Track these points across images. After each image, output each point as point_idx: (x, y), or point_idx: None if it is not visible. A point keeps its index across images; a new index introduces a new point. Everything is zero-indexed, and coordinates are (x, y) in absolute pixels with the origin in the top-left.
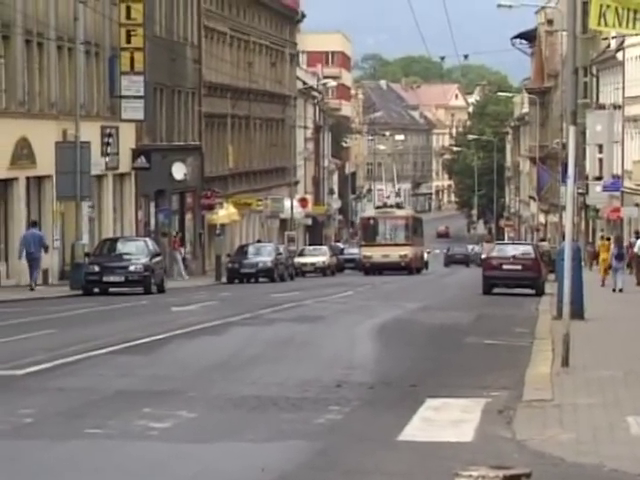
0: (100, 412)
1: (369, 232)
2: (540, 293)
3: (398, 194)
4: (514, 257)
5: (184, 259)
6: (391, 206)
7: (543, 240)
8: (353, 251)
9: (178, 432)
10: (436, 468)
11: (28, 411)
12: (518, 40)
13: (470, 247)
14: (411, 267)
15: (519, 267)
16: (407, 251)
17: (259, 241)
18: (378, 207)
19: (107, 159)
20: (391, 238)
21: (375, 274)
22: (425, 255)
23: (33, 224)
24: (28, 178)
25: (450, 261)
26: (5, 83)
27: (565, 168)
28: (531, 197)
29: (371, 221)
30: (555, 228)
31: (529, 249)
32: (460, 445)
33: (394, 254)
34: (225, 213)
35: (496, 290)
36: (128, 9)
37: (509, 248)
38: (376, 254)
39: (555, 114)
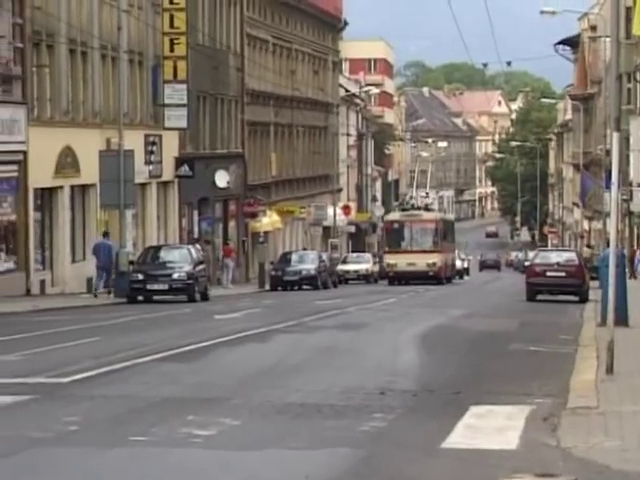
0: (144, 419)
1: (393, 237)
2: (584, 300)
3: (427, 195)
4: (558, 264)
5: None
6: (418, 208)
7: (589, 246)
8: None
9: (222, 439)
10: (480, 476)
11: (73, 419)
12: (561, 46)
13: (514, 254)
14: (440, 276)
15: (563, 274)
16: (435, 259)
17: (305, 249)
18: (404, 209)
19: (150, 167)
20: (418, 244)
21: (401, 284)
22: (459, 262)
23: (104, 234)
24: (72, 187)
25: (483, 266)
26: (50, 92)
27: (609, 174)
28: (575, 204)
29: (395, 225)
30: (599, 235)
31: (573, 256)
32: (504, 453)
33: (421, 262)
34: (268, 221)
35: (540, 297)
36: (171, 18)
37: (553, 255)
38: (401, 262)
39: (599, 120)
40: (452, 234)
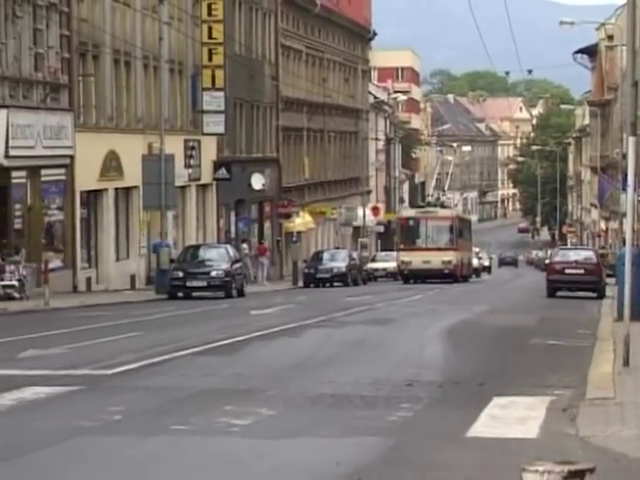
0: (184, 409)
1: (408, 234)
2: (601, 296)
3: (444, 193)
4: (576, 262)
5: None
6: (434, 205)
7: (603, 248)
8: None
9: (258, 428)
10: (503, 463)
11: (117, 408)
12: (579, 55)
13: (535, 252)
14: (456, 274)
15: (581, 271)
16: (451, 256)
17: (338, 248)
18: (419, 206)
19: (190, 171)
20: (433, 241)
21: (416, 282)
22: (479, 260)
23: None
24: (117, 189)
25: (502, 263)
26: (95, 100)
27: (625, 177)
28: (592, 204)
29: (410, 222)
30: (616, 234)
31: (591, 254)
32: (526, 441)
33: (436, 260)
34: (301, 221)
35: (559, 293)
36: (210, 29)
37: (572, 253)
38: (416, 259)
39: (615, 125)
40: (469, 232)
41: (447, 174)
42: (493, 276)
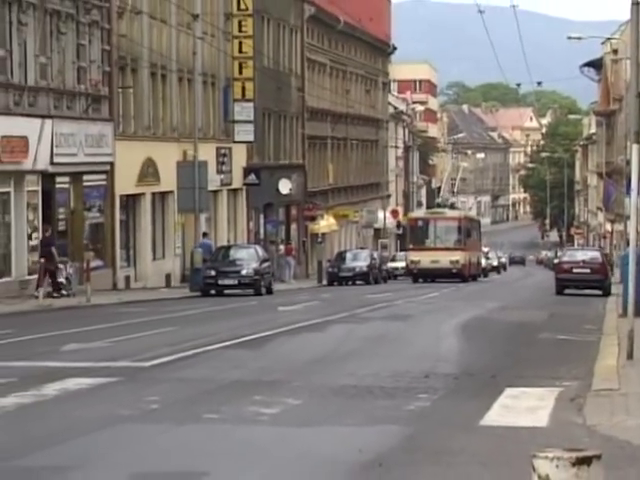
0: (216, 399)
1: (417, 234)
2: (607, 294)
3: (454, 194)
4: (583, 261)
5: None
6: (443, 206)
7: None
8: None
9: (285, 417)
10: (514, 451)
11: (153, 398)
12: (586, 68)
13: (544, 252)
14: (464, 274)
15: (588, 270)
16: (459, 256)
17: (362, 248)
18: (429, 207)
19: (222, 176)
20: (441, 241)
21: (426, 281)
22: (484, 261)
23: (204, 235)
24: (153, 193)
25: (512, 262)
26: (133, 110)
27: (629, 182)
28: (598, 208)
29: (419, 222)
30: (620, 236)
31: (597, 254)
32: (536, 430)
33: (444, 259)
34: (325, 223)
35: (567, 291)
36: (240, 44)
37: (579, 253)
38: (425, 259)
39: (620, 134)
40: (477, 233)
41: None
42: (503, 275)
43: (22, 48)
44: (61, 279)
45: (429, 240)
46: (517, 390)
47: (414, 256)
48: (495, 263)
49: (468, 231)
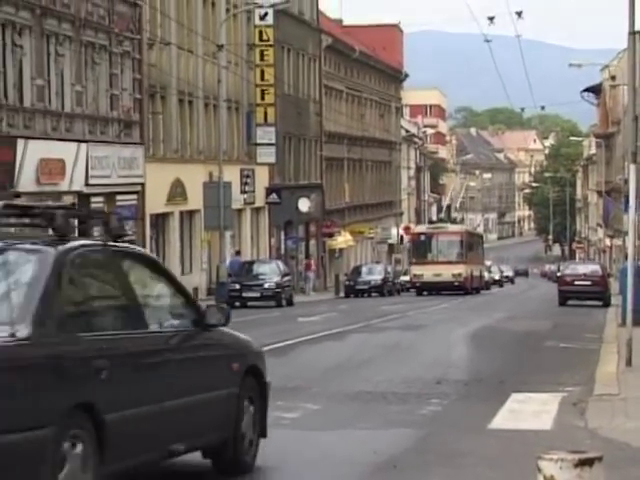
0: None
1: (420, 249)
2: (607, 304)
3: (457, 208)
4: (585, 274)
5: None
6: (445, 221)
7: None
8: None
9: (305, 421)
10: (521, 452)
11: None
12: (586, 93)
13: (547, 266)
14: (466, 287)
15: (589, 283)
16: (461, 270)
17: (378, 262)
18: (431, 222)
19: (245, 196)
20: (443, 255)
21: (431, 294)
22: (487, 275)
23: (237, 253)
24: (181, 212)
25: (516, 274)
26: (163, 134)
27: (627, 199)
28: (598, 224)
29: (422, 237)
30: (619, 250)
31: (597, 268)
32: (541, 432)
33: (446, 273)
34: (342, 239)
35: (570, 302)
36: (262, 72)
37: (580, 267)
38: (427, 273)
39: (618, 154)
40: (480, 247)
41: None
42: (506, 288)
43: (59, 77)
44: None
45: (431, 254)
46: (523, 395)
47: (417, 270)
48: (497, 277)
49: (470, 245)
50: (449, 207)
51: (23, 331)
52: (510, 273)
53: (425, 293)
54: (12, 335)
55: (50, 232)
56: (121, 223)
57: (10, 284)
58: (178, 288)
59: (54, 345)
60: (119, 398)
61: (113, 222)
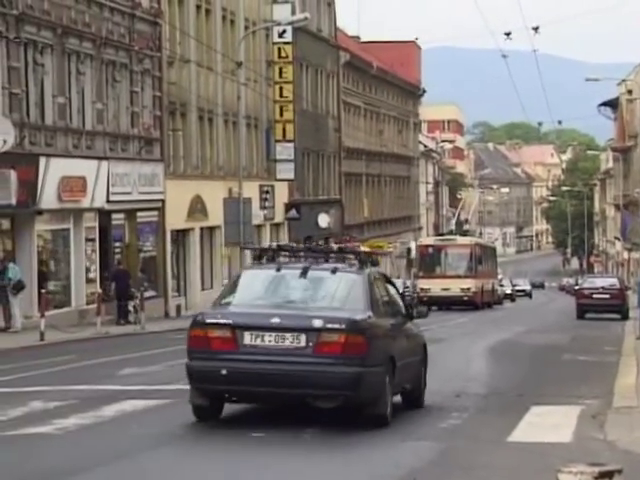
0: (262, 419)
1: (427, 262)
2: (625, 317)
3: (466, 221)
4: (603, 288)
5: None
6: (454, 233)
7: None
8: None
9: (326, 434)
10: (540, 465)
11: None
12: (603, 107)
13: (565, 279)
14: (475, 302)
15: (607, 296)
16: (470, 284)
17: (399, 277)
18: (440, 234)
19: (265, 212)
20: (452, 269)
21: (441, 309)
22: (500, 289)
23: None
24: (202, 228)
25: (533, 286)
26: (183, 151)
27: None
28: (616, 237)
29: (430, 250)
30: (637, 263)
31: (615, 281)
32: (560, 445)
33: (455, 287)
34: None
35: (588, 315)
36: (281, 89)
37: (598, 280)
38: (435, 287)
39: (635, 168)
40: (492, 260)
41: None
42: (523, 302)
43: (80, 95)
44: (130, 308)
45: (440, 267)
46: (542, 408)
47: (424, 284)
48: (508, 290)
49: (480, 258)
50: (463, 220)
51: (368, 313)
52: (527, 287)
53: (434, 308)
54: (368, 316)
55: (356, 263)
56: (372, 259)
57: (350, 290)
58: (400, 294)
59: (377, 321)
60: (399, 354)
61: (363, 258)
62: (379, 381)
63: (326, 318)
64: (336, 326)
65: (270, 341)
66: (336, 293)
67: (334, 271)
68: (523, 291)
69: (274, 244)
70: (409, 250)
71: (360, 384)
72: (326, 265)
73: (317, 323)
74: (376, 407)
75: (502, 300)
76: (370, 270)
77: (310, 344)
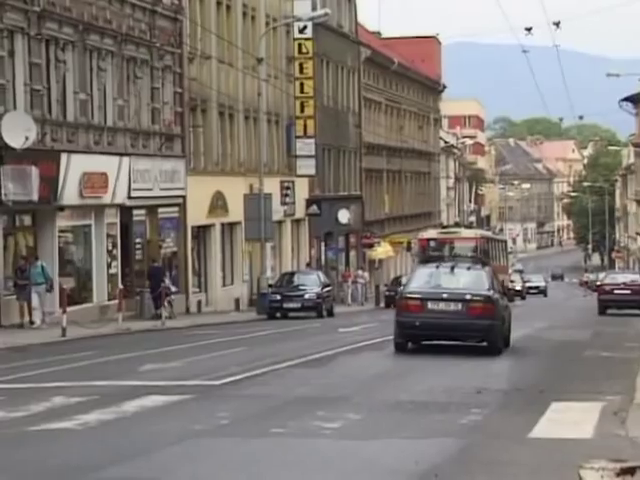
0: (282, 415)
1: (428, 257)
2: None
3: (472, 213)
4: (624, 284)
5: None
6: (457, 224)
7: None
8: None
9: (346, 431)
10: (562, 461)
11: (225, 414)
12: (624, 102)
13: (586, 275)
14: None
15: (629, 292)
16: None
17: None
18: (444, 226)
19: (285, 207)
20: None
21: None
22: (512, 284)
23: (308, 264)
24: (222, 224)
25: (553, 278)
26: (204, 147)
27: None
28: (637, 233)
29: (431, 243)
30: None
31: (636, 277)
32: (581, 441)
33: None
34: (382, 250)
35: (609, 311)
36: (302, 85)
37: (620, 276)
38: None
39: None
40: (501, 254)
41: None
42: (534, 300)
43: (101, 92)
44: (164, 303)
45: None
46: (563, 404)
47: None
48: (518, 287)
49: (487, 252)
50: (489, 217)
51: (492, 291)
52: (541, 283)
53: None
54: (492, 293)
55: (479, 262)
56: (485, 262)
57: (481, 278)
58: (499, 280)
59: (496, 296)
60: (505, 315)
61: (484, 261)
62: (499, 329)
63: (472, 294)
64: (478, 298)
65: (442, 306)
66: (472, 280)
67: (468, 268)
68: (537, 288)
69: (435, 254)
70: (409, 244)
71: (490, 330)
72: (464, 264)
73: (468, 296)
74: (497, 343)
75: (513, 298)
76: (488, 267)
77: (464, 308)
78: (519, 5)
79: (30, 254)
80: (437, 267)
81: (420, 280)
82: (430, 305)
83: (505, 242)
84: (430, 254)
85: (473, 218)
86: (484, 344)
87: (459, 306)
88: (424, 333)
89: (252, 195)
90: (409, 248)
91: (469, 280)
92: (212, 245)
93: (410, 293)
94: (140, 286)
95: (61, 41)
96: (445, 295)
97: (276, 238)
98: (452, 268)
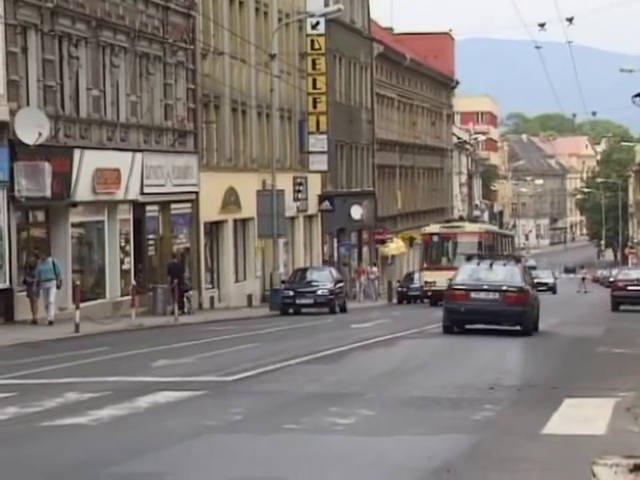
0: (295, 411)
1: (432, 252)
2: None
3: (477, 207)
4: (637, 280)
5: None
6: (461, 219)
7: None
8: None
9: (359, 427)
10: (575, 458)
11: (237, 410)
12: (638, 98)
13: (599, 271)
14: None
15: None
16: None
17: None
18: (447, 220)
19: (298, 203)
20: (459, 259)
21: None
22: (550, 280)
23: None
24: (235, 220)
25: (567, 271)
26: (216, 143)
27: None
28: None
29: (434, 238)
30: None
31: None
32: (594, 438)
33: None
34: (395, 246)
35: (622, 307)
36: (314, 81)
37: (633, 272)
38: (441, 280)
39: None
40: (507, 249)
41: (523, 204)
42: (560, 294)
43: (114, 88)
44: (184, 299)
45: (445, 258)
46: (576, 400)
47: (429, 276)
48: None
49: (491, 247)
50: (501, 213)
51: (524, 283)
52: (550, 279)
53: (440, 304)
54: (525, 285)
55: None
56: (517, 258)
57: (515, 273)
58: (530, 274)
59: (528, 287)
60: (535, 303)
61: (517, 258)
62: (530, 315)
63: (507, 285)
64: (513, 289)
65: (482, 295)
66: (507, 274)
67: (504, 264)
68: (545, 285)
69: (476, 253)
70: (411, 240)
71: (522, 315)
72: (500, 261)
73: (504, 287)
74: (529, 327)
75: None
76: (521, 263)
77: (501, 297)
78: (532, 1)
79: (41, 251)
80: (478, 264)
81: (464, 274)
82: (473, 295)
83: (512, 237)
84: (470, 255)
85: (478, 212)
86: (517, 327)
87: (497, 295)
88: (468, 318)
89: (265, 191)
90: (412, 244)
91: (505, 274)
92: (225, 241)
93: (457, 285)
94: (153, 282)
95: (74, 37)
96: (485, 286)
97: (289, 234)
98: (491, 264)
